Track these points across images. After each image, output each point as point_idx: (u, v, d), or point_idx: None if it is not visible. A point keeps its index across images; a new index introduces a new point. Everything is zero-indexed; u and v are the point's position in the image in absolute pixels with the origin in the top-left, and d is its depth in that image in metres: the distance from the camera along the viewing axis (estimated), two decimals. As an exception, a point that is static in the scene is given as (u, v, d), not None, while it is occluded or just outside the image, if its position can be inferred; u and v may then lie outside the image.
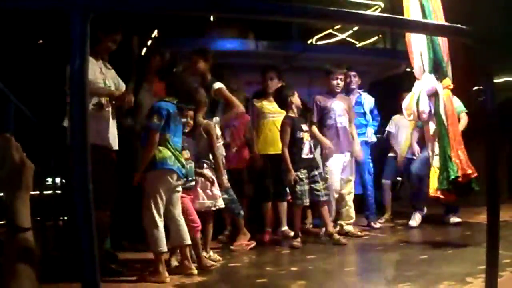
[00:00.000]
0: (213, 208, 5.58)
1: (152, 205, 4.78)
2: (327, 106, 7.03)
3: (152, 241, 4.79)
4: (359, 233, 7.02)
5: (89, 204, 1.30)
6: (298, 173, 6.32)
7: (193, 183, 5.36)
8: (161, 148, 4.89)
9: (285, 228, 7.00)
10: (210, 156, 5.68)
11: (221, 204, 5.64)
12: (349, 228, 7.03)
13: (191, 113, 5.49)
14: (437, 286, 3.92)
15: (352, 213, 7.13)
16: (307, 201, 6.36)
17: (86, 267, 1.29)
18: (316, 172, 6.47)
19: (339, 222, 7.10)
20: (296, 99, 6.57)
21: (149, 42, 9.48)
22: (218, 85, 6.35)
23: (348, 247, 6.30)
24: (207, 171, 5.59)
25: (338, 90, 7.13)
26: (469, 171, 5.59)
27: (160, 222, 4.80)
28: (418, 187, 7.43)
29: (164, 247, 4.78)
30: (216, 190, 5.59)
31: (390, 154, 8.43)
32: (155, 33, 10.08)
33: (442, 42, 5.83)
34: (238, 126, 7.00)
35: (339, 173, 6.98)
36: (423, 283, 4.04)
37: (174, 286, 4.46)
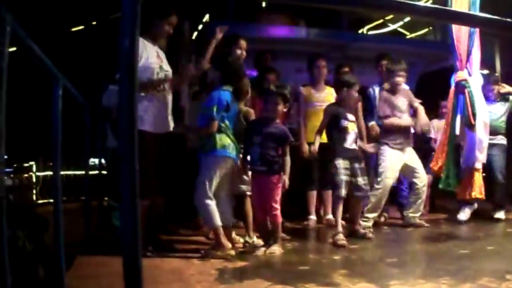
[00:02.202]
0: (248, 193, 5.66)
1: (207, 183, 5.03)
2: (392, 104, 6.76)
3: (208, 217, 5.09)
4: (424, 224, 6.92)
5: (135, 186, 1.32)
6: (339, 162, 6.00)
7: None
8: (221, 136, 5.14)
9: (329, 216, 6.98)
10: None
11: None
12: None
13: None
14: (476, 281, 3.90)
15: (421, 206, 7.00)
16: (343, 193, 5.96)
17: (127, 248, 1.32)
18: (357, 165, 6.12)
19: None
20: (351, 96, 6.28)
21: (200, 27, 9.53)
22: None
23: (392, 238, 6.30)
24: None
25: (400, 88, 6.84)
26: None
27: (213, 199, 5.04)
28: None
29: (219, 221, 5.03)
30: None
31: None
32: (206, 17, 10.13)
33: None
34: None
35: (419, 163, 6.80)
36: (462, 278, 4.01)
37: (215, 269, 4.50)
